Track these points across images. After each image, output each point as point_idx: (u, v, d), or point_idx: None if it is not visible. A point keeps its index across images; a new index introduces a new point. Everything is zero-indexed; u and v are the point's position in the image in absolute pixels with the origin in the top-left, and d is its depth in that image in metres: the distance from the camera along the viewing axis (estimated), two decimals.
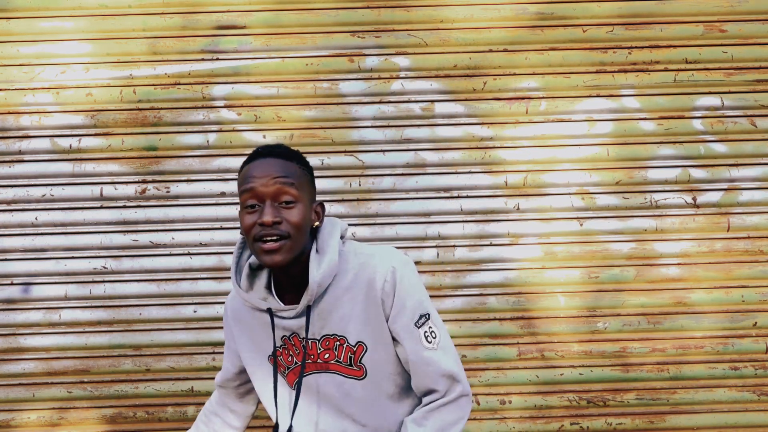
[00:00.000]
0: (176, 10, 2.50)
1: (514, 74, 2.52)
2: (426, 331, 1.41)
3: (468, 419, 2.50)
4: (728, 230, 2.51)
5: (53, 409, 2.47)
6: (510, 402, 2.49)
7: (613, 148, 2.52)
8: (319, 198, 1.48)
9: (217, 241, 2.49)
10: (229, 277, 2.47)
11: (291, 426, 1.47)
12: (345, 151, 2.50)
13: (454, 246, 2.49)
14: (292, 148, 1.42)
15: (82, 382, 2.48)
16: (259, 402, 1.62)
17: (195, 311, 2.48)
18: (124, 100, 2.50)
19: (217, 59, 2.51)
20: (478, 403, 2.48)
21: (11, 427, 2.47)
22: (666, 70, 2.53)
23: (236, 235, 2.48)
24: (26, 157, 2.50)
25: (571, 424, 2.49)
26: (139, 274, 2.48)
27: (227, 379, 1.62)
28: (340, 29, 2.51)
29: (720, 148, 2.52)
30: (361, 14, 2.51)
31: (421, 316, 1.40)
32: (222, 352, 2.44)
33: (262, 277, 1.46)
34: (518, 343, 2.49)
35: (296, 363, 1.44)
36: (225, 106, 2.51)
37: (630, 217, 2.51)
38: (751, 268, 2.50)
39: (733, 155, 2.52)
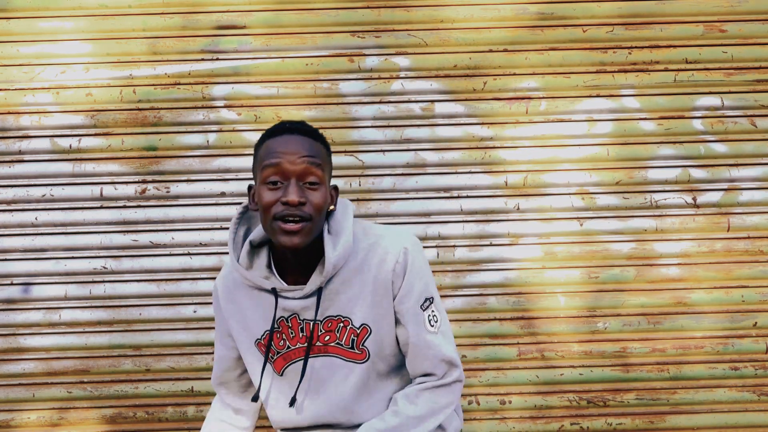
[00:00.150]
0: (176, 10, 2.50)
1: (514, 74, 2.52)
2: (429, 315, 1.39)
3: (468, 419, 2.51)
4: (728, 230, 2.51)
5: (53, 409, 2.47)
6: (510, 402, 2.49)
7: (613, 148, 2.52)
8: None
9: (217, 241, 2.49)
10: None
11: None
12: (345, 151, 2.50)
13: (454, 246, 2.49)
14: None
15: (82, 382, 2.48)
16: None
17: (195, 311, 2.48)
18: (124, 100, 2.50)
19: (217, 59, 2.51)
20: (478, 403, 2.48)
21: (11, 427, 2.47)
22: (666, 70, 2.53)
23: None
24: (26, 157, 2.50)
25: (571, 424, 2.49)
26: (139, 274, 2.48)
27: (226, 369, 1.55)
28: (340, 29, 2.51)
29: (720, 148, 2.52)
30: (361, 14, 2.51)
31: (426, 299, 1.39)
32: None
33: (262, 256, 1.42)
34: (518, 343, 2.49)
35: (289, 347, 1.41)
36: (225, 106, 2.51)
37: (630, 217, 2.51)
38: (751, 268, 2.50)
39: (733, 155, 2.52)
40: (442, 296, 2.46)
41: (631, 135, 2.52)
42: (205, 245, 2.49)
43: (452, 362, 1.40)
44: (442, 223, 2.50)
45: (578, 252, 2.50)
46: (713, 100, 2.53)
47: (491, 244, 2.50)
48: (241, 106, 2.51)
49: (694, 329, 2.50)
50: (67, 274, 2.48)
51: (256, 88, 2.51)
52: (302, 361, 1.41)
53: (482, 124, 2.52)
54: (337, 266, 1.35)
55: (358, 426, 1.40)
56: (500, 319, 2.48)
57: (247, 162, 2.50)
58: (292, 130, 1.35)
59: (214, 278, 2.48)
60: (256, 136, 2.50)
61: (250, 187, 1.41)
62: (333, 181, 1.43)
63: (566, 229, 2.51)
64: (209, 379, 2.52)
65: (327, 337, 1.39)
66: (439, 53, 2.51)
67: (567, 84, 2.52)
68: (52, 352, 2.47)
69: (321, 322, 1.38)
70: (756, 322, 2.50)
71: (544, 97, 2.52)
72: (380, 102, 2.51)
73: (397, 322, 1.40)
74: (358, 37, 2.52)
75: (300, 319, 1.38)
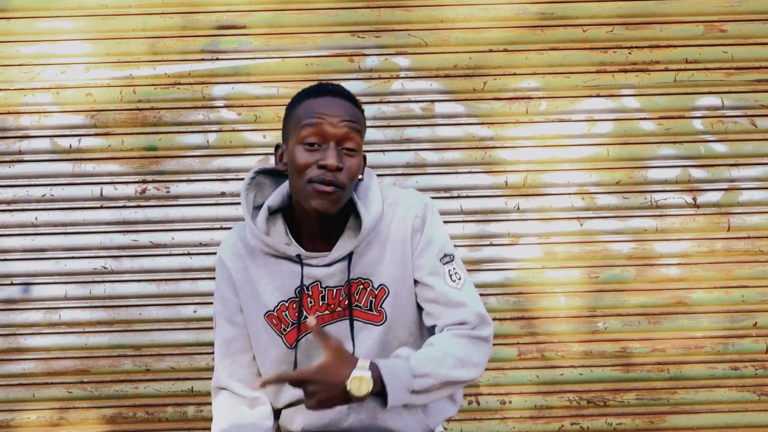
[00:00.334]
0: (176, 10, 2.50)
1: (514, 74, 2.52)
2: (450, 270, 1.35)
3: (468, 419, 2.50)
4: (728, 230, 2.51)
5: (53, 409, 2.47)
6: (510, 402, 2.49)
7: (613, 148, 2.52)
8: None
9: (217, 241, 2.49)
10: None
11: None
12: None
13: (454, 246, 2.49)
14: None
15: (82, 382, 2.48)
16: None
17: (195, 311, 2.48)
18: (124, 100, 2.50)
19: (217, 59, 2.51)
20: (478, 403, 2.48)
21: (11, 427, 2.47)
22: (666, 70, 2.53)
23: None
24: (26, 157, 2.50)
25: (572, 424, 2.49)
26: (139, 274, 2.48)
27: (240, 352, 1.42)
28: (340, 29, 2.51)
29: (720, 148, 2.52)
30: (361, 14, 2.51)
31: (446, 255, 1.36)
32: None
33: (279, 222, 1.37)
34: (518, 343, 2.49)
35: (306, 317, 1.35)
36: (225, 106, 2.51)
37: (630, 217, 2.51)
38: (751, 268, 2.50)
39: (734, 155, 2.52)
40: None
41: (631, 135, 2.52)
42: (205, 245, 2.49)
43: (484, 317, 1.34)
44: (443, 223, 2.49)
45: (578, 252, 2.50)
46: (713, 100, 2.53)
47: (491, 244, 2.50)
48: (241, 106, 2.51)
49: (694, 329, 2.50)
50: (67, 274, 2.48)
51: (257, 88, 2.51)
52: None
53: (482, 124, 2.52)
54: (371, 230, 1.31)
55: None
56: (500, 319, 2.48)
57: (247, 162, 2.50)
58: (335, 92, 1.31)
59: (214, 278, 2.46)
60: (256, 136, 2.50)
61: (277, 146, 1.37)
62: None
63: (566, 229, 2.51)
64: (209, 379, 2.51)
65: (347, 301, 1.35)
66: (439, 53, 2.51)
67: (567, 84, 2.52)
68: (52, 352, 2.47)
69: (343, 286, 1.34)
70: (756, 322, 2.50)
71: (544, 97, 2.52)
72: (380, 102, 2.51)
73: (418, 283, 1.36)
74: (358, 37, 2.52)
75: (322, 287, 1.34)
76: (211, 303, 2.45)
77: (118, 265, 2.48)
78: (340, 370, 1.14)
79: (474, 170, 2.51)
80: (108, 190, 2.49)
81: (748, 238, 2.51)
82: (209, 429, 1.58)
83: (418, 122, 2.51)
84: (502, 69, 2.52)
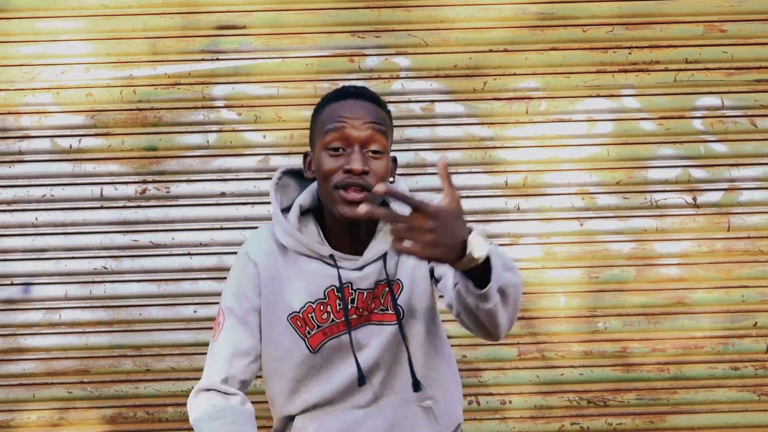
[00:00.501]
0: (176, 10, 2.50)
1: (514, 74, 2.52)
2: None
3: (468, 419, 2.49)
4: (728, 230, 2.51)
5: (53, 409, 2.47)
6: (510, 402, 2.49)
7: (613, 148, 2.52)
8: None
9: (217, 241, 2.49)
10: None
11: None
12: None
13: None
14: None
15: (82, 383, 2.48)
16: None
17: (195, 311, 2.48)
18: (124, 100, 2.50)
19: (217, 59, 2.51)
20: (479, 403, 2.48)
21: (11, 428, 2.47)
22: (666, 70, 2.53)
23: (236, 236, 2.48)
24: (26, 157, 2.49)
25: (572, 424, 2.49)
26: (139, 274, 2.48)
27: (242, 355, 1.32)
28: (340, 29, 2.51)
29: (720, 148, 2.52)
30: (361, 14, 2.51)
31: None
32: None
33: (310, 223, 1.34)
34: (518, 343, 2.49)
35: (333, 320, 1.32)
36: (225, 106, 2.51)
37: (630, 217, 2.51)
38: (751, 268, 2.50)
39: (733, 155, 2.52)
40: (443, 296, 2.46)
41: (631, 135, 2.52)
42: (205, 245, 2.49)
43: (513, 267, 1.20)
44: None
45: (578, 252, 2.50)
46: (713, 100, 2.53)
47: (491, 244, 2.50)
48: (242, 106, 2.51)
49: (694, 329, 2.50)
50: (67, 274, 2.48)
51: (257, 88, 2.51)
52: (344, 335, 1.31)
53: (482, 124, 2.52)
54: None
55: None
56: None
57: (247, 162, 2.50)
58: (357, 94, 1.28)
59: (214, 278, 2.48)
60: (256, 136, 2.50)
61: (306, 155, 1.35)
62: None
63: (566, 229, 2.51)
64: None
65: (373, 305, 1.33)
66: (439, 53, 2.51)
67: (567, 84, 2.52)
68: (53, 352, 2.47)
69: (373, 289, 1.32)
70: (756, 322, 2.50)
71: (544, 97, 2.52)
72: None
73: (432, 274, 1.32)
74: (358, 37, 2.52)
75: (353, 289, 1.31)
76: (211, 303, 2.47)
77: (118, 266, 2.48)
78: (460, 222, 1.00)
79: (474, 170, 2.51)
80: (108, 190, 2.49)
81: (748, 238, 2.51)
82: None
83: (418, 122, 2.51)
84: (502, 69, 2.52)
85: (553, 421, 2.49)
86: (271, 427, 1.47)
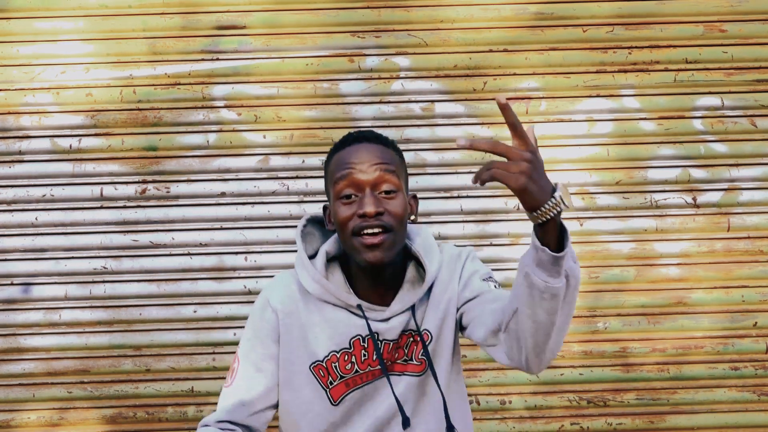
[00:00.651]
0: (176, 10, 2.50)
1: (514, 74, 2.52)
2: (495, 285, 1.30)
3: None
4: (728, 230, 2.51)
5: (53, 409, 2.47)
6: (510, 402, 2.49)
7: (613, 148, 2.52)
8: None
9: (217, 241, 2.49)
10: (229, 277, 2.48)
11: None
12: None
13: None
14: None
15: (82, 383, 2.48)
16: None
17: (195, 311, 2.48)
18: (124, 100, 2.50)
19: (217, 59, 2.51)
20: (479, 403, 2.48)
21: (11, 427, 2.47)
22: (666, 70, 2.53)
23: (237, 236, 2.48)
24: (26, 157, 2.50)
25: (571, 424, 2.49)
26: (139, 274, 2.48)
27: (248, 403, 1.29)
28: (340, 29, 2.51)
29: (720, 148, 2.52)
30: (361, 14, 2.51)
31: (489, 276, 1.31)
32: (223, 353, 2.44)
33: (337, 271, 1.32)
34: None
35: (357, 371, 1.29)
36: (225, 106, 2.51)
37: (630, 217, 2.51)
38: (751, 268, 2.51)
39: (733, 155, 2.52)
40: None
41: (631, 135, 2.52)
42: (205, 245, 2.49)
43: None
44: (443, 223, 2.50)
45: (578, 252, 2.50)
46: (713, 100, 2.53)
47: (491, 244, 2.50)
48: (241, 106, 2.51)
49: (694, 329, 2.50)
50: (67, 274, 2.48)
51: (256, 88, 2.51)
52: (367, 386, 1.29)
53: (482, 124, 2.52)
54: (432, 281, 1.28)
55: None
56: None
57: (247, 162, 2.50)
58: (360, 138, 1.27)
59: (214, 278, 2.48)
60: (256, 136, 2.50)
61: (325, 208, 1.33)
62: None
63: None
64: (209, 379, 2.53)
65: (396, 355, 1.31)
66: (439, 53, 2.51)
67: (567, 84, 2.52)
68: (53, 352, 2.47)
69: (398, 340, 1.30)
70: (756, 322, 2.50)
71: (544, 97, 2.52)
72: (380, 102, 2.51)
73: (464, 307, 1.31)
74: (358, 37, 2.52)
75: (379, 340, 1.29)
76: (211, 303, 2.48)
77: (118, 265, 2.48)
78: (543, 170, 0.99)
79: (474, 170, 2.51)
80: (108, 190, 2.49)
81: (748, 238, 2.51)
82: None
83: (418, 122, 2.52)
84: (502, 69, 2.52)
85: (553, 421, 2.49)
86: None
